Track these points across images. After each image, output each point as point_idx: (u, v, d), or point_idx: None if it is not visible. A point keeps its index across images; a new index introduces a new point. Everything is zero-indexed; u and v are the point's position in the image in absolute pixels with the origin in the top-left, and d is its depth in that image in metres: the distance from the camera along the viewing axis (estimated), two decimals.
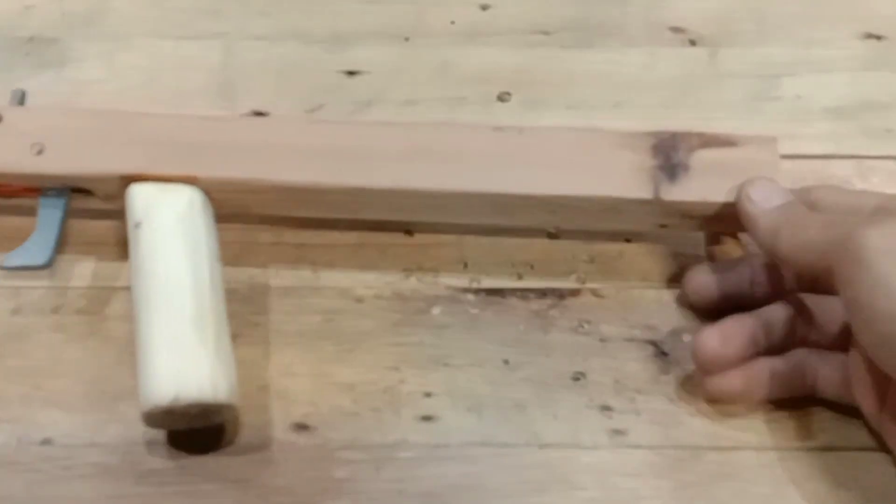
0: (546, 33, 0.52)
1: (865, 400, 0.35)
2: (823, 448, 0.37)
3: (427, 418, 0.38)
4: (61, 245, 0.40)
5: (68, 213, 0.40)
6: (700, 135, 0.40)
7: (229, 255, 0.42)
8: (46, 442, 0.37)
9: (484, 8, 0.53)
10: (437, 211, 0.41)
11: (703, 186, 0.39)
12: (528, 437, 0.37)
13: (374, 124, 0.44)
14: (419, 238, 0.43)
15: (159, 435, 0.37)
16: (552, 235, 0.43)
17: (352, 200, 0.40)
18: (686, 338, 0.40)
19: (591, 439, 0.37)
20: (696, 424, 0.38)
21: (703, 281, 0.39)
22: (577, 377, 0.39)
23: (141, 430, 0.37)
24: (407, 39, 0.51)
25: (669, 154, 0.39)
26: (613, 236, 0.43)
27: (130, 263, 0.38)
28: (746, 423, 0.38)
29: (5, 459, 0.36)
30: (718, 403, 0.38)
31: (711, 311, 0.39)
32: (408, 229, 0.43)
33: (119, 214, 0.40)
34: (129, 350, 0.39)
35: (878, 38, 0.52)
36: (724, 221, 0.39)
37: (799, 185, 0.45)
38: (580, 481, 0.36)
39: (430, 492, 0.36)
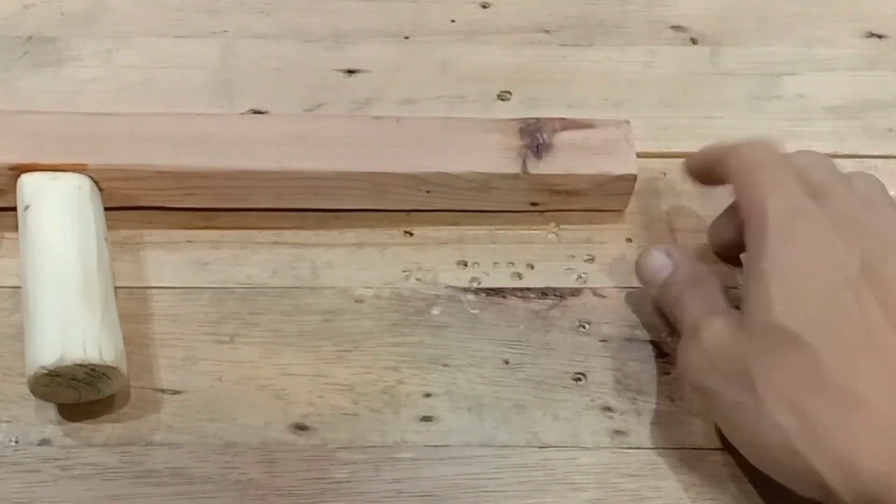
0: (546, 32, 0.51)
1: None
2: None
3: (427, 418, 0.38)
4: None
5: None
6: (562, 119, 0.43)
7: (228, 255, 0.42)
8: (45, 442, 0.37)
9: (484, 6, 0.53)
10: (317, 196, 0.43)
11: (566, 161, 0.42)
12: (529, 437, 0.37)
13: (255, 116, 0.46)
14: (419, 238, 0.43)
15: (158, 435, 0.37)
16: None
17: (233, 185, 0.42)
18: None
19: (592, 440, 0.37)
20: (697, 425, 0.38)
21: (719, 225, 0.41)
22: (578, 377, 0.39)
23: (139, 431, 0.37)
24: (406, 38, 0.51)
25: (535, 135, 0.42)
26: (615, 236, 0.43)
27: (20, 246, 0.39)
28: None
29: (3, 460, 0.36)
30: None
31: (733, 258, 0.41)
32: (408, 230, 0.43)
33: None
34: (126, 350, 0.39)
35: (880, 37, 0.51)
36: (587, 198, 0.43)
37: None
38: (581, 482, 0.36)
39: (430, 492, 0.36)
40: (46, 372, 0.35)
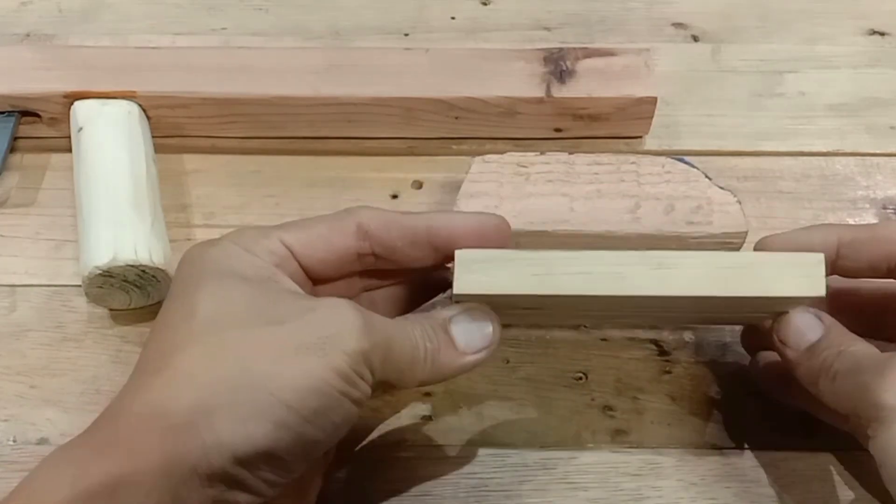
0: (547, 29, 0.51)
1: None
2: (824, 448, 0.37)
3: (427, 418, 0.38)
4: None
5: (15, 135, 0.44)
6: (584, 48, 0.45)
7: None
8: (43, 441, 0.37)
9: (485, 3, 0.52)
10: (351, 122, 0.44)
11: (589, 85, 0.44)
12: (529, 436, 0.37)
13: (293, 48, 0.49)
14: None
15: None
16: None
17: (271, 112, 0.44)
18: (688, 337, 0.40)
19: (593, 439, 0.37)
20: (697, 424, 0.37)
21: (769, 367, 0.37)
22: (579, 377, 0.39)
23: None
24: (406, 35, 0.51)
25: (558, 62, 0.44)
26: None
27: (74, 163, 0.41)
28: (748, 424, 0.37)
29: (1, 458, 0.36)
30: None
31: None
32: None
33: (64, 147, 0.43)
34: (125, 349, 0.39)
35: (882, 34, 0.51)
36: (609, 123, 0.44)
37: (802, 182, 0.45)
38: (581, 481, 0.36)
39: (430, 492, 0.36)
40: (100, 272, 0.37)
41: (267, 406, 0.27)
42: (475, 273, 0.31)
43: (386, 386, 0.31)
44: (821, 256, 0.31)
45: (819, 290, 0.31)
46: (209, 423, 0.27)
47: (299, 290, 0.31)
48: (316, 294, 0.33)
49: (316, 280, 0.33)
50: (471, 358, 0.32)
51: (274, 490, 0.29)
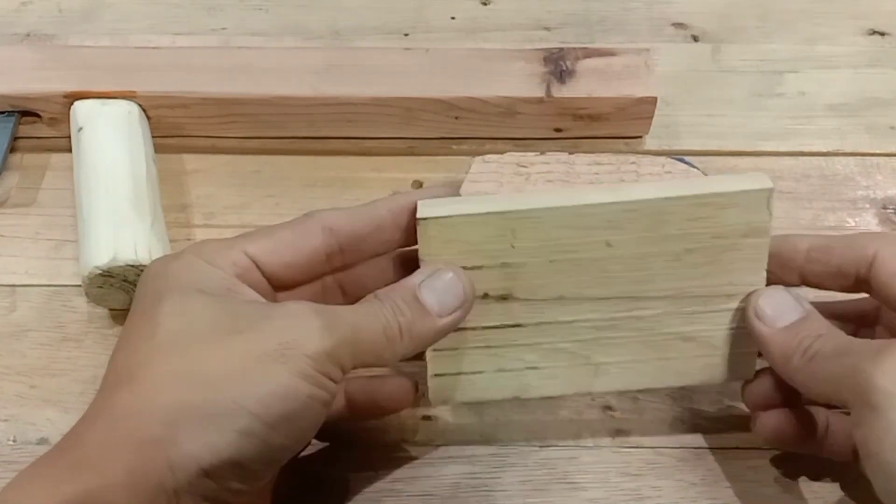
0: (547, 29, 0.51)
1: None
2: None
3: (427, 418, 0.37)
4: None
5: (15, 135, 0.44)
6: (584, 48, 0.45)
7: None
8: (43, 441, 0.37)
9: (485, 3, 0.52)
10: (351, 123, 0.44)
11: (589, 86, 0.44)
12: (529, 436, 0.37)
13: (293, 48, 0.49)
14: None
15: None
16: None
17: (271, 112, 0.44)
18: None
19: (593, 439, 0.37)
20: (698, 424, 0.37)
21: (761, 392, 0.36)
22: None
23: None
24: (406, 35, 0.51)
25: (558, 62, 0.44)
26: None
27: (74, 163, 0.41)
28: (748, 424, 0.37)
29: (2, 459, 0.36)
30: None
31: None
32: None
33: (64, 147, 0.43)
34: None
35: (883, 34, 0.51)
36: (609, 123, 0.44)
37: (802, 182, 0.45)
38: (582, 481, 0.36)
39: (430, 492, 0.36)
40: (100, 272, 0.37)
41: (230, 415, 0.27)
42: (437, 207, 0.32)
43: (365, 366, 0.31)
44: (764, 174, 0.33)
45: (766, 183, 0.32)
46: (173, 437, 0.27)
47: (260, 299, 0.31)
48: (282, 301, 0.33)
49: (284, 286, 0.33)
50: (447, 319, 0.32)
51: (241, 498, 0.29)
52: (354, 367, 0.30)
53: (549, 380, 0.35)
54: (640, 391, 0.38)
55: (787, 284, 0.34)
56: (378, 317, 0.31)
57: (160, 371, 0.28)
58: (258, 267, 0.32)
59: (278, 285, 0.33)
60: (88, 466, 0.27)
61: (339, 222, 0.33)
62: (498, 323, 0.34)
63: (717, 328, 0.34)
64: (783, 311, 0.33)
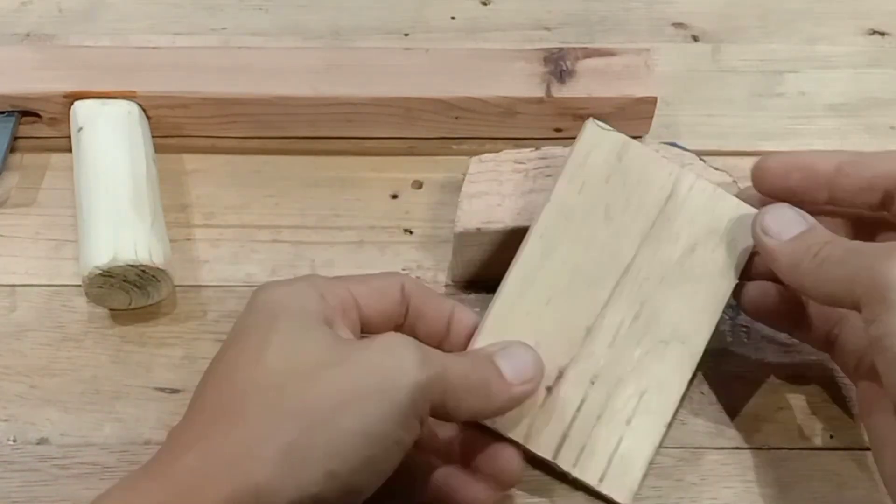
0: (547, 29, 0.51)
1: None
2: (824, 448, 0.37)
3: None
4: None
5: (15, 135, 0.44)
6: (584, 48, 0.45)
7: (228, 254, 0.42)
8: (43, 441, 0.37)
9: (485, 3, 0.52)
10: (351, 123, 0.44)
11: (589, 85, 0.44)
12: None
13: (293, 48, 0.49)
14: (419, 236, 0.43)
15: (156, 434, 0.37)
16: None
17: (271, 112, 0.44)
18: None
19: None
20: (698, 424, 0.37)
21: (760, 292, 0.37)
22: None
23: (137, 430, 0.37)
24: (406, 35, 0.51)
25: (558, 62, 0.44)
26: None
27: (74, 163, 0.41)
28: (748, 423, 0.37)
29: (2, 458, 0.36)
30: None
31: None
32: (408, 228, 0.43)
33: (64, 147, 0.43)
34: (125, 349, 0.39)
35: (883, 34, 0.51)
36: (609, 124, 0.42)
37: None
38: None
39: None
40: (100, 272, 0.37)
41: (322, 456, 0.28)
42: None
43: (442, 415, 0.31)
44: None
45: None
46: (267, 472, 0.28)
47: (352, 337, 0.32)
48: None
49: (370, 331, 0.34)
50: (520, 388, 0.33)
51: None
52: (435, 410, 0.31)
53: None
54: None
55: (814, 202, 0.35)
56: (463, 363, 0.32)
57: (258, 405, 0.29)
58: (358, 307, 0.33)
59: (365, 329, 0.34)
60: (185, 493, 0.28)
61: (415, 293, 0.35)
62: None
63: None
64: (788, 225, 0.34)
